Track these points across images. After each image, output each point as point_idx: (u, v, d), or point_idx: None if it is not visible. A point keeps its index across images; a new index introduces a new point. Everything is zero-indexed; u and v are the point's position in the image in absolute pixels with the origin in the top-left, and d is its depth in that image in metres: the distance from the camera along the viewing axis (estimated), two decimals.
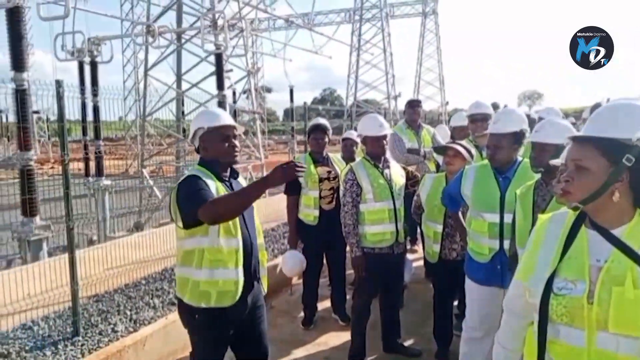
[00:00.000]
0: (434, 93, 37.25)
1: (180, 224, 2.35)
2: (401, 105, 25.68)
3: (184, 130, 11.26)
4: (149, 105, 12.25)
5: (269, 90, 38.15)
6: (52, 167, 17.67)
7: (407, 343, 4.01)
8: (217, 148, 2.46)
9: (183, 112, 11.49)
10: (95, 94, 9.54)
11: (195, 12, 11.96)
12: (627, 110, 1.36)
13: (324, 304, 4.84)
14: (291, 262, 4.41)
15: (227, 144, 2.46)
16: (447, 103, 36.62)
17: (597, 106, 4.72)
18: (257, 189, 2.25)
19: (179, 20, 11.91)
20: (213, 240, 2.34)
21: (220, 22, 10.23)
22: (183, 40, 11.56)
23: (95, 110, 10.76)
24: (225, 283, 2.37)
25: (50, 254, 6.42)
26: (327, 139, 4.49)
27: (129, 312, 4.08)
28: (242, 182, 2.64)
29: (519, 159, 3.02)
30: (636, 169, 1.29)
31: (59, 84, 3.74)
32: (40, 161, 17.71)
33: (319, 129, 4.47)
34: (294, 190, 4.41)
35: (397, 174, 3.77)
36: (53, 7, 9.86)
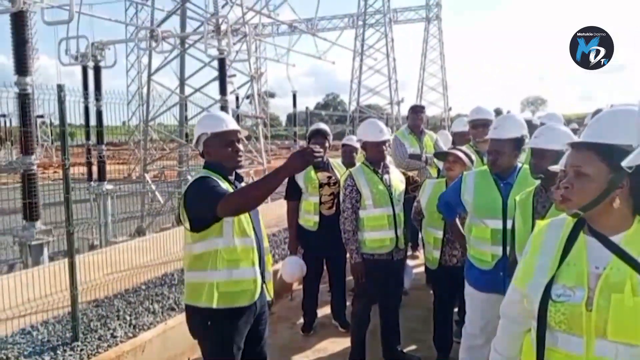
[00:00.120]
0: (437, 98, 37.19)
1: (188, 225, 2.35)
2: (404, 110, 25.73)
3: (187, 135, 11.30)
4: (152, 110, 12.32)
5: (272, 95, 38.16)
6: (55, 172, 17.72)
7: (407, 350, 3.98)
8: (220, 153, 2.46)
9: (186, 117, 11.54)
10: (98, 98, 9.59)
11: (198, 17, 12.05)
12: (627, 116, 1.35)
13: (324, 310, 4.81)
14: (291, 268, 4.38)
15: (230, 149, 2.45)
16: (450, 109, 36.60)
17: (598, 112, 4.69)
18: (276, 177, 2.18)
19: (183, 25, 12.00)
20: (228, 241, 2.34)
21: (223, 27, 10.28)
22: (186, 45, 11.63)
23: (99, 114, 10.82)
24: (245, 282, 2.38)
25: (51, 259, 6.44)
26: (327, 144, 4.48)
27: (128, 317, 4.07)
28: None
29: (519, 165, 3.00)
30: (636, 175, 1.27)
31: (60, 88, 3.77)
32: (44, 165, 17.80)
33: (320, 134, 4.46)
34: (294, 196, 4.40)
35: (397, 180, 3.76)
36: (57, 11, 9.93)
